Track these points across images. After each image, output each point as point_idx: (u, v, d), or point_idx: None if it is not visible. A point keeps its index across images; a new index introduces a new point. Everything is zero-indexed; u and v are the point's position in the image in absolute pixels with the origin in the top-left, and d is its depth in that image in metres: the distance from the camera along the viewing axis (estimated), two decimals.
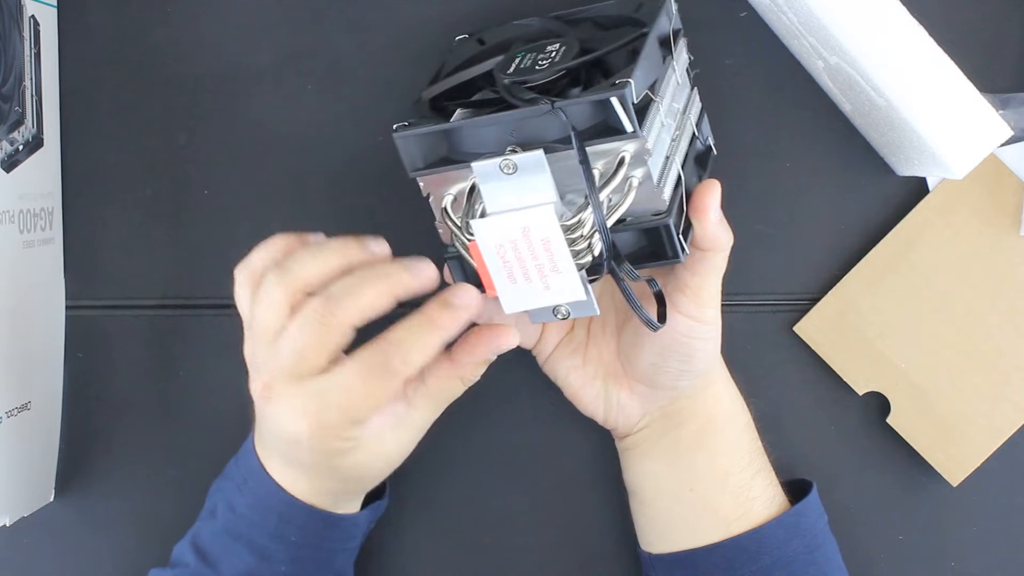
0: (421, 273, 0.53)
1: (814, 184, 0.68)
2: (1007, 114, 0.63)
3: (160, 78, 0.72)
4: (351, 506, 0.62)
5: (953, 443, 0.66)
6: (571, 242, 0.51)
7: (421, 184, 0.55)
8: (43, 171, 0.70)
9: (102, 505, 0.73)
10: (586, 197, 0.51)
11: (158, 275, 0.72)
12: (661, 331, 0.56)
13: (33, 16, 0.69)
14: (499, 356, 0.58)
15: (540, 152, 0.51)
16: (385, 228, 0.66)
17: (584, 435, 0.69)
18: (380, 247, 0.55)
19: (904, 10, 0.53)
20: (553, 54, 0.55)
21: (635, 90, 0.50)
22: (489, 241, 0.52)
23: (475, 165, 0.52)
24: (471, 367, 0.57)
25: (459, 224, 0.54)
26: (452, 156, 0.55)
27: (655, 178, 0.52)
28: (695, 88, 0.62)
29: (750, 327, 0.68)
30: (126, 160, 0.72)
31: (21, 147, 0.67)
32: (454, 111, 0.56)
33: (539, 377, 0.66)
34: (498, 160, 0.51)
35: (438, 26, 0.68)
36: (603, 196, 0.51)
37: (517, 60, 0.56)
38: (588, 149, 0.51)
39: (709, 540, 0.62)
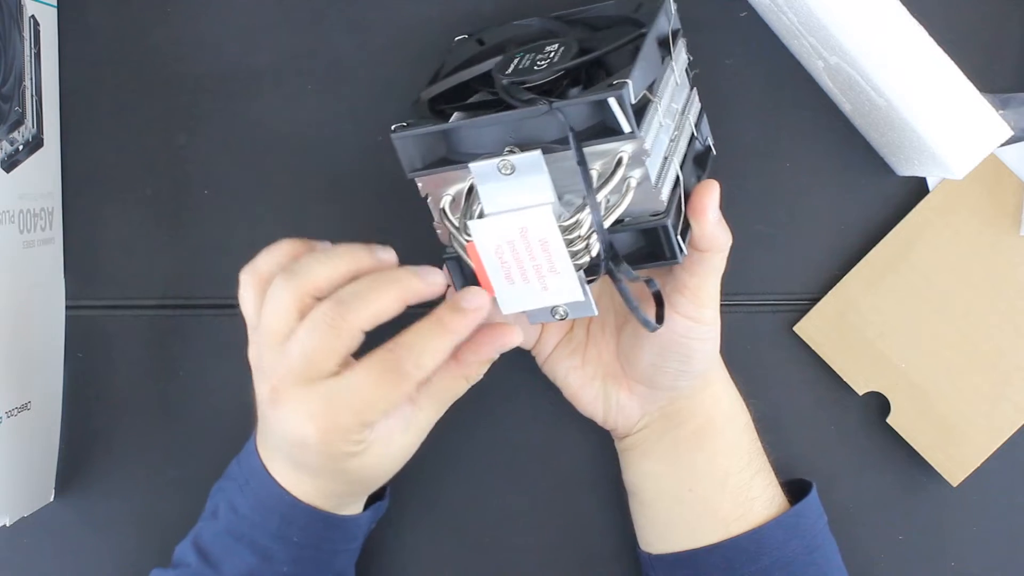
0: (429, 278, 0.53)
1: (814, 184, 0.68)
2: (1007, 114, 0.63)
3: (160, 78, 0.72)
4: (354, 508, 0.63)
5: (953, 443, 0.66)
6: (569, 243, 0.51)
7: (419, 185, 0.55)
8: (43, 171, 0.70)
9: (102, 505, 0.73)
10: (584, 197, 0.51)
11: (158, 275, 0.72)
12: (660, 332, 0.56)
13: (33, 16, 0.69)
14: (500, 355, 0.58)
15: (538, 153, 0.51)
16: (385, 228, 0.66)
17: (584, 435, 0.69)
18: (388, 255, 0.55)
19: (904, 10, 0.53)
20: (552, 54, 0.55)
21: (633, 91, 0.50)
22: (487, 242, 0.52)
23: (473, 166, 0.52)
24: (476, 366, 0.57)
25: (457, 225, 0.54)
26: (451, 157, 0.55)
27: (653, 179, 0.52)
28: (694, 88, 0.62)
29: (750, 327, 0.68)
30: (126, 160, 0.72)
31: (21, 147, 0.67)
32: (453, 112, 0.56)
33: (539, 377, 0.66)
34: (496, 161, 0.51)
35: (438, 26, 0.68)
36: (601, 197, 0.51)
37: (516, 61, 0.56)
38: (586, 149, 0.51)
39: (708, 540, 0.62)
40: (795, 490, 0.64)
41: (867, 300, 0.66)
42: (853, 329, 0.67)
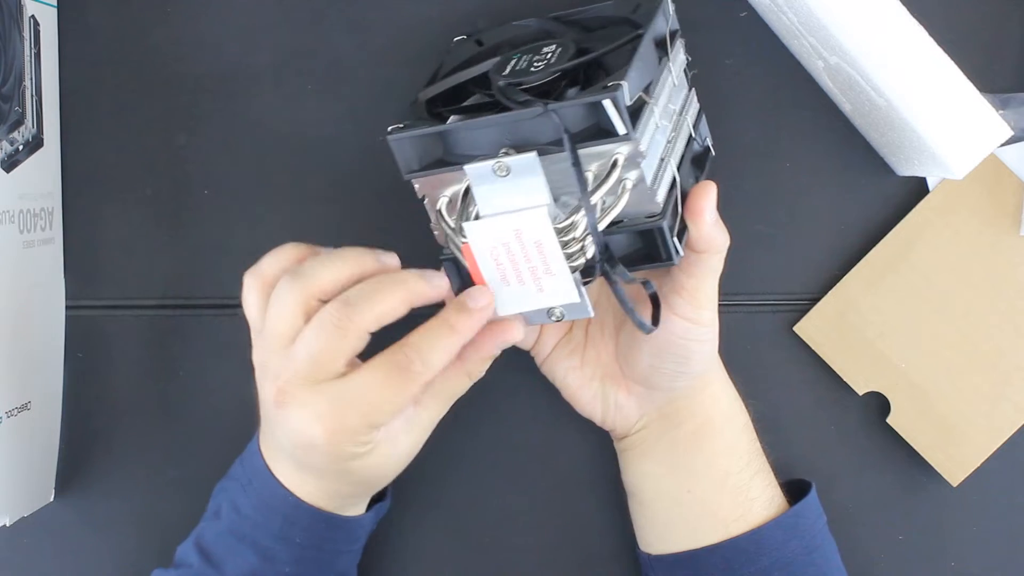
0: (434, 281, 0.53)
1: (814, 184, 0.67)
2: (1007, 114, 0.63)
3: (160, 78, 0.72)
4: (357, 508, 0.63)
5: (953, 443, 0.66)
6: (564, 244, 0.51)
7: (416, 186, 0.55)
8: (43, 171, 0.70)
9: (102, 505, 0.73)
10: (579, 199, 0.51)
11: (158, 275, 0.72)
12: (658, 333, 0.56)
13: (33, 16, 0.69)
14: (500, 355, 0.57)
15: (533, 154, 0.51)
16: (385, 228, 0.67)
17: (583, 436, 0.69)
18: (391, 259, 0.56)
19: (904, 10, 0.53)
20: (549, 56, 0.55)
21: (629, 92, 0.50)
22: (482, 243, 0.52)
23: (468, 167, 0.52)
24: (478, 363, 0.57)
25: (453, 227, 0.54)
26: (447, 158, 0.55)
27: (649, 180, 0.52)
28: (693, 89, 0.62)
29: (750, 327, 0.68)
30: (126, 160, 0.72)
31: (21, 147, 0.67)
32: (450, 114, 0.56)
33: (538, 377, 0.66)
34: (491, 162, 0.51)
35: (438, 26, 0.68)
36: (596, 198, 0.51)
37: (513, 62, 0.55)
38: (581, 151, 0.51)
39: (708, 541, 0.62)
40: (795, 490, 0.64)
41: (867, 300, 0.66)
42: (853, 329, 0.66)
